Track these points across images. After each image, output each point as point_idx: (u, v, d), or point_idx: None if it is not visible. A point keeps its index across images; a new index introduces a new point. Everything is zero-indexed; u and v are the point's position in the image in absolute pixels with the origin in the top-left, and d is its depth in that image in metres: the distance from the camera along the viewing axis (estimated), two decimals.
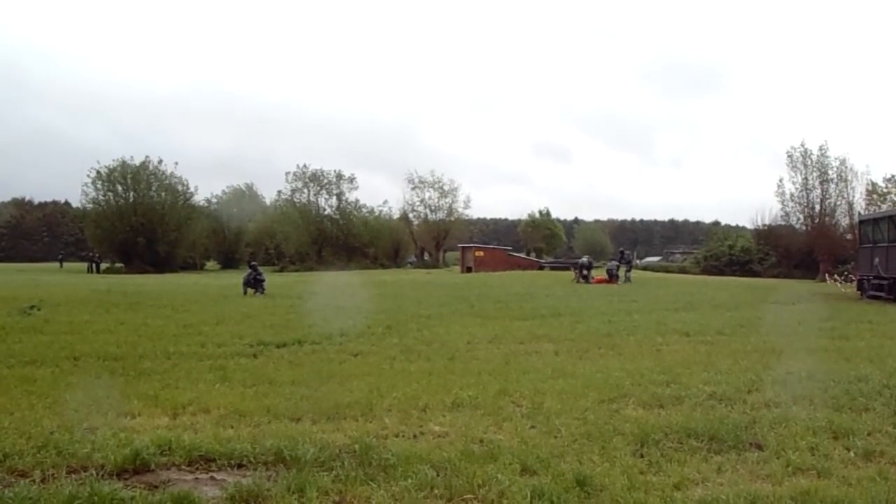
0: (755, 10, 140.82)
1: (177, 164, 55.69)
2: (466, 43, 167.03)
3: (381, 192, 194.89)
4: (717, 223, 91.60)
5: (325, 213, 63.60)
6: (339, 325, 11.77)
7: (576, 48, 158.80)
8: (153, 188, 54.12)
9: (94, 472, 4.10)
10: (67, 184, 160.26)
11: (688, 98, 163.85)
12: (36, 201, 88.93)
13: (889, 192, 37.84)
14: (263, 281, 20.73)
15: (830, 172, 39.88)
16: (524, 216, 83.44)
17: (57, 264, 55.73)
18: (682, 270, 51.75)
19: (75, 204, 67.45)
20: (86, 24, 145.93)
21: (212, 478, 4.18)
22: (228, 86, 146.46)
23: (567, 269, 38.79)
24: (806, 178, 40.44)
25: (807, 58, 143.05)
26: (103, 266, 50.68)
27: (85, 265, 50.52)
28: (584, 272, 29.78)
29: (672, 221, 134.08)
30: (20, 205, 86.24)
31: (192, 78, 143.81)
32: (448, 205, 66.67)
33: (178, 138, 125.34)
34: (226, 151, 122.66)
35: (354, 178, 64.01)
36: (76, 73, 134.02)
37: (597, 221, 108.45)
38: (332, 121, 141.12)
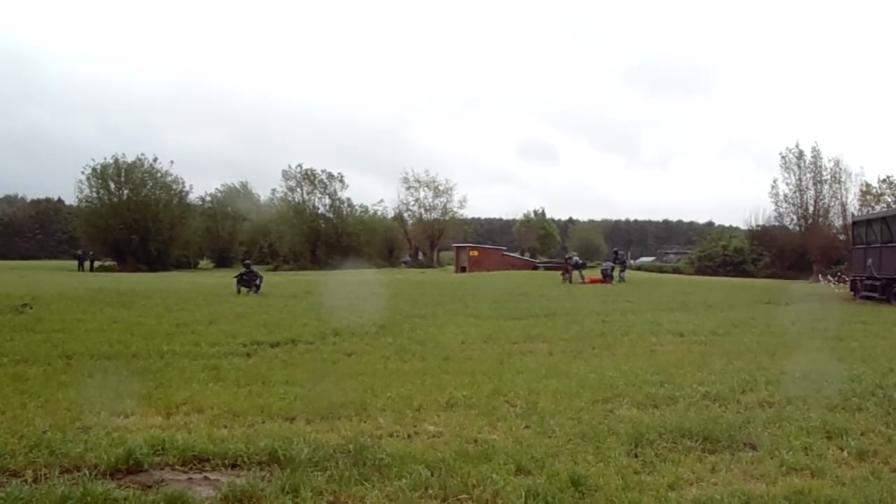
0: (743, 9, 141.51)
1: (172, 162, 55.10)
2: (457, 43, 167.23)
3: (372, 193, 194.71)
4: (710, 224, 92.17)
5: (320, 212, 63.46)
6: (333, 324, 11.76)
7: (565, 49, 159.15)
8: (147, 186, 53.78)
9: (86, 472, 4.07)
10: (57, 182, 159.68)
11: (678, 98, 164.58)
12: (28, 199, 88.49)
13: (883, 193, 38.07)
14: (258, 280, 20.64)
15: (824, 174, 40.18)
16: (519, 216, 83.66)
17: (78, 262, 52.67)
18: (676, 271, 51.98)
19: (68, 201, 67.19)
20: (76, 23, 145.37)
21: (205, 478, 4.16)
22: (219, 85, 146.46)
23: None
24: (800, 180, 40.75)
25: (800, 57, 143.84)
26: (95, 264, 50.22)
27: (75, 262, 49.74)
28: (573, 269, 29.33)
29: (666, 222, 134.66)
30: (12, 201, 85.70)
31: (183, 77, 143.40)
32: (443, 204, 66.80)
33: (169, 136, 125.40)
34: (216, 150, 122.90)
35: (343, 178, 63.94)
36: (66, 71, 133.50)
37: (591, 221, 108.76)
38: (324, 120, 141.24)
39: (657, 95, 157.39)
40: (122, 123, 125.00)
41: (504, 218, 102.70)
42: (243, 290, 20.25)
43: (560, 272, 30.62)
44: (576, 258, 31.60)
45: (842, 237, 37.05)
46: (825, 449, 4.75)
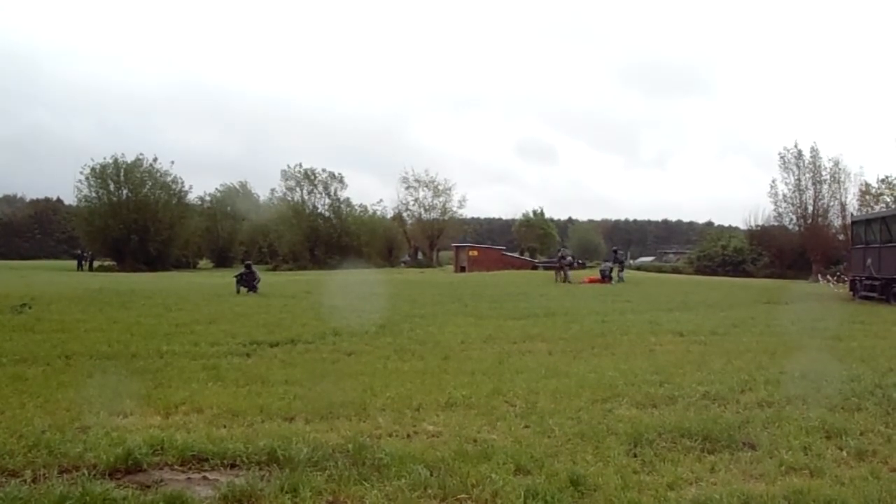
0: (743, 9, 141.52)
1: (173, 162, 55.11)
2: (457, 43, 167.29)
3: (371, 193, 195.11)
4: (710, 223, 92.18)
5: (319, 211, 63.47)
6: (332, 324, 11.76)
7: (563, 49, 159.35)
8: (147, 186, 53.73)
9: (85, 472, 4.07)
10: (57, 182, 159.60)
11: (677, 98, 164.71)
12: (27, 199, 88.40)
13: (882, 193, 38.07)
14: (256, 281, 20.60)
15: (823, 174, 40.21)
16: (518, 216, 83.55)
17: (77, 262, 50.00)
18: (676, 270, 51.96)
19: (68, 201, 67.10)
20: (76, 23, 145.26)
21: (204, 478, 4.16)
22: (219, 85, 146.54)
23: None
24: (799, 180, 40.77)
25: (800, 57, 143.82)
26: (95, 264, 50.16)
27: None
28: (566, 267, 28.93)
29: (665, 222, 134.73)
30: (11, 201, 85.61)
31: (183, 77, 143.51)
32: (442, 204, 66.80)
33: (169, 136, 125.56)
34: (216, 150, 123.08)
35: (343, 178, 64.03)
36: (66, 71, 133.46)
37: (590, 221, 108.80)
38: (324, 120, 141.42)
39: (656, 95, 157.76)
40: (122, 123, 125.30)
41: (503, 218, 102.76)
42: (243, 289, 20.25)
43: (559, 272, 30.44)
44: (569, 257, 31.32)
45: (841, 237, 37.08)
46: (824, 449, 4.75)
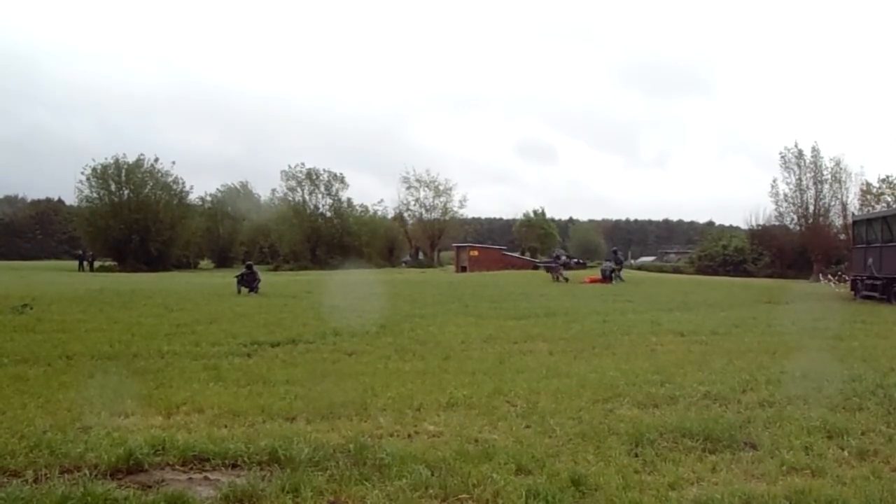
0: (743, 9, 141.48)
1: (174, 163, 55.24)
2: (457, 43, 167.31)
3: (372, 193, 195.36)
4: (711, 223, 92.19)
5: (320, 211, 63.50)
6: (333, 324, 11.76)
7: (563, 49, 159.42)
8: (148, 186, 53.79)
9: (87, 472, 4.07)
10: (57, 182, 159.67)
11: (677, 98, 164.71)
12: (28, 199, 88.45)
13: (883, 193, 38.06)
14: (256, 282, 20.58)
15: (824, 173, 40.21)
16: (519, 216, 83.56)
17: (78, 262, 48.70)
18: (677, 270, 51.99)
19: (68, 201, 67.20)
20: (76, 23, 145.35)
21: (206, 478, 4.16)
22: (219, 85, 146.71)
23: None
24: (800, 179, 40.78)
25: (800, 57, 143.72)
26: (96, 265, 50.17)
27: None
28: (560, 268, 28.82)
29: (666, 221, 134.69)
30: (12, 202, 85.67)
31: (183, 77, 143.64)
32: (443, 204, 66.85)
33: (169, 136, 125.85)
34: (216, 150, 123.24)
35: (344, 178, 64.12)
36: (66, 71, 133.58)
37: (591, 221, 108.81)
38: (324, 120, 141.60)
39: (656, 95, 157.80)
40: (122, 123, 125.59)
41: (504, 218, 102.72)
42: (243, 290, 20.24)
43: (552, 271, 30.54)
44: (564, 257, 31.46)
45: (842, 237, 37.07)
46: (826, 448, 4.74)
